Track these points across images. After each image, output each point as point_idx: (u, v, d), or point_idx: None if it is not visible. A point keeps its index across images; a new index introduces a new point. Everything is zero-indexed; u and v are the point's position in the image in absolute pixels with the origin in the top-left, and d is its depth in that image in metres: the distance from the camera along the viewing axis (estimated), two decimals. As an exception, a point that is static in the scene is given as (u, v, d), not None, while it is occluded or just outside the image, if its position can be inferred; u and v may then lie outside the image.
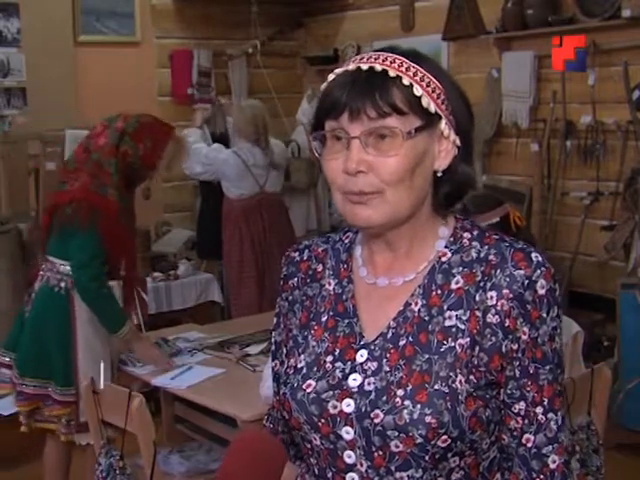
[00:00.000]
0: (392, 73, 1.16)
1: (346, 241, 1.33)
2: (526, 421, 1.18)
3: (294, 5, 6.06)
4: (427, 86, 1.18)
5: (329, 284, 1.30)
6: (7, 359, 3.20)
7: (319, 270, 1.32)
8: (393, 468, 1.16)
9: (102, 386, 2.55)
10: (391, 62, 1.18)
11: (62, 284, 3.10)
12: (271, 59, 5.93)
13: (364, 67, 1.18)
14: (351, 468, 1.19)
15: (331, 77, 1.21)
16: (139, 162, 3.17)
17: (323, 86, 1.22)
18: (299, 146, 5.51)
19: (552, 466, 1.18)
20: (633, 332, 4.01)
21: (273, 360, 1.36)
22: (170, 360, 3.21)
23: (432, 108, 1.18)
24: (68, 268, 3.09)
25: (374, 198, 1.17)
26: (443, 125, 1.19)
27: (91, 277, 3.06)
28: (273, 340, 1.37)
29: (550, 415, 1.18)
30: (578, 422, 2.45)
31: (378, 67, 1.17)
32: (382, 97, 1.15)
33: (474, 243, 1.23)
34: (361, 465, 1.18)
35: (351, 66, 1.19)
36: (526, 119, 4.73)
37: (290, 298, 1.34)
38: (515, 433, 1.19)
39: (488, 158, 5.05)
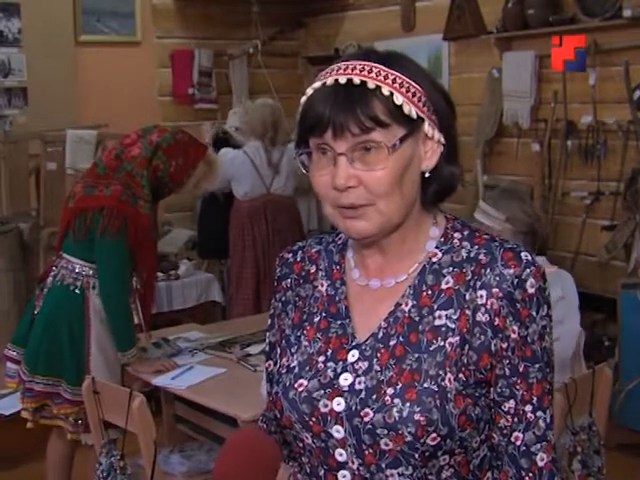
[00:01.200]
0: (371, 84, 1.15)
1: (339, 242, 1.34)
2: (515, 419, 1.19)
3: (295, 5, 6.05)
4: (407, 92, 1.17)
5: (322, 285, 1.31)
6: (15, 353, 3.20)
7: (312, 271, 1.33)
8: (384, 465, 1.17)
9: None
10: (369, 72, 1.16)
11: (78, 283, 3.11)
12: (272, 59, 5.94)
13: (342, 80, 1.16)
14: (343, 466, 1.20)
15: (309, 92, 1.20)
16: (168, 178, 3.22)
17: (303, 100, 1.21)
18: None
19: (540, 464, 1.19)
20: (634, 332, 4.00)
21: (267, 360, 1.37)
22: (171, 361, 3.21)
23: (414, 114, 1.17)
24: (86, 269, 3.11)
25: (367, 210, 1.18)
26: (426, 127, 1.19)
27: (120, 284, 3.11)
28: (267, 341, 1.38)
29: (539, 413, 1.19)
30: (580, 423, 2.45)
31: (356, 80, 1.16)
32: (363, 112, 1.14)
33: (464, 243, 1.23)
34: (352, 463, 1.19)
35: (329, 80, 1.18)
36: (527, 119, 4.72)
37: (283, 299, 1.35)
38: (505, 432, 1.20)
39: (489, 158, 5.05)
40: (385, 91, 1.15)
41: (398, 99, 1.16)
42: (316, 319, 1.28)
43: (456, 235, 1.25)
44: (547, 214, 4.67)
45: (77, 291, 3.11)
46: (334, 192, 1.18)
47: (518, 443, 1.19)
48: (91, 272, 3.11)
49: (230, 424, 2.85)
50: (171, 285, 4.76)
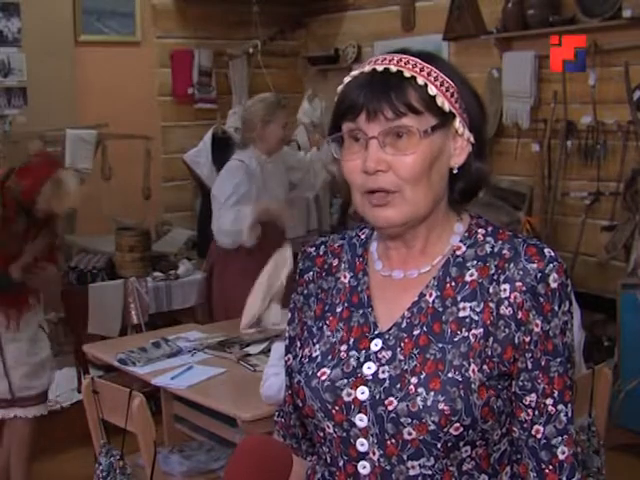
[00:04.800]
0: (407, 73, 1.19)
1: (362, 237, 1.36)
2: (536, 412, 1.20)
3: (295, 5, 6.05)
4: (441, 85, 1.20)
5: (344, 277, 1.33)
6: None
7: (334, 264, 1.35)
8: (405, 457, 1.18)
9: None
10: (405, 63, 1.21)
11: None
12: (272, 59, 5.93)
13: (379, 69, 1.20)
14: (363, 456, 1.21)
15: (347, 80, 1.24)
16: (20, 197, 3.36)
17: (339, 89, 1.24)
18: (299, 146, 5.49)
19: (561, 457, 1.20)
20: (633, 332, 4.01)
21: (287, 354, 1.38)
22: None
23: (446, 107, 1.20)
24: None
25: (394, 197, 1.20)
26: (457, 123, 1.22)
27: None
28: (287, 335, 1.39)
29: (560, 407, 1.20)
30: (579, 423, 2.46)
31: (393, 68, 1.20)
32: (398, 97, 1.18)
33: (488, 239, 1.26)
34: (373, 454, 1.20)
35: (366, 68, 1.22)
36: (527, 119, 4.73)
37: (305, 292, 1.36)
38: (525, 425, 1.21)
39: (488, 158, 5.04)
40: (420, 81, 1.19)
41: (432, 90, 1.19)
42: (338, 309, 1.30)
43: (480, 231, 1.27)
44: (547, 214, 4.68)
45: None
46: (363, 176, 1.20)
47: (539, 436, 1.20)
48: None
49: (230, 424, 2.86)
50: (171, 285, 4.75)
